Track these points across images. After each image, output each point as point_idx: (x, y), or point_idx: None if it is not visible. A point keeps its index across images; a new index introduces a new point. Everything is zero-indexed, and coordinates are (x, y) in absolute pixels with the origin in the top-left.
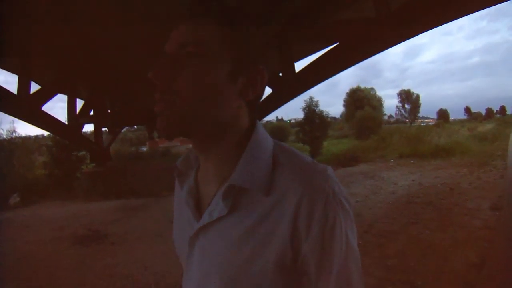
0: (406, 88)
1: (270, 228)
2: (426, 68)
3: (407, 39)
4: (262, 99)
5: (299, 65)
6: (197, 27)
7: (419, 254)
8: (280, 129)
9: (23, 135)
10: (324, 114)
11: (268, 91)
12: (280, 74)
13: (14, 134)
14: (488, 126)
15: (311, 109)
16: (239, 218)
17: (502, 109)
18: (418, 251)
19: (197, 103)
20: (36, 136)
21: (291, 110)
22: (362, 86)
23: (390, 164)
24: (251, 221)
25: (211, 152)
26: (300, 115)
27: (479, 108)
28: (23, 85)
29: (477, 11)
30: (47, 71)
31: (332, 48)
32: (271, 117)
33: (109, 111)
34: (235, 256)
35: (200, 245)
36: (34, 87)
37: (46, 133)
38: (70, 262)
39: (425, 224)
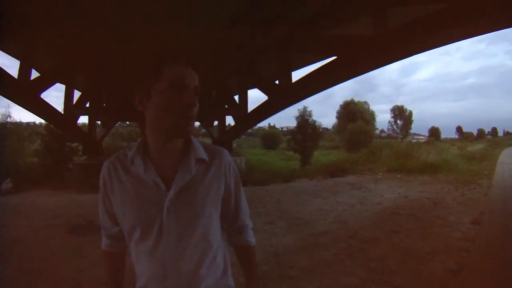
0: (400, 104)
1: (217, 177)
2: (421, 85)
3: (403, 58)
4: (257, 106)
5: (296, 75)
6: (195, 74)
7: (400, 259)
8: (271, 136)
9: (17, 120)
10: (316, 124)
11: (263, 97)
12: (277, 82)
13: (8, 119)
14: (478, 146)
15: (304, 119)
16: (201, 176)
17: (494, 130)
18: (399, 256)
19: None
20: (28, 123)
21: (284, 118)
22: (356, 99)
23: (378, 177)
24: (209, 175)
25: (177, 143)
26: (292, 123)
27: (471, 128)
28: (24, 70)
29: (475, 36)
30: (49, 59)
31: (330, 61)
32: (263, 123)
33: (104, 104)
34: (206, 197)
35: (177, 205)
36: (34, 75)
37: (37, 121)
38: (65, 250)
39: (407, 233)
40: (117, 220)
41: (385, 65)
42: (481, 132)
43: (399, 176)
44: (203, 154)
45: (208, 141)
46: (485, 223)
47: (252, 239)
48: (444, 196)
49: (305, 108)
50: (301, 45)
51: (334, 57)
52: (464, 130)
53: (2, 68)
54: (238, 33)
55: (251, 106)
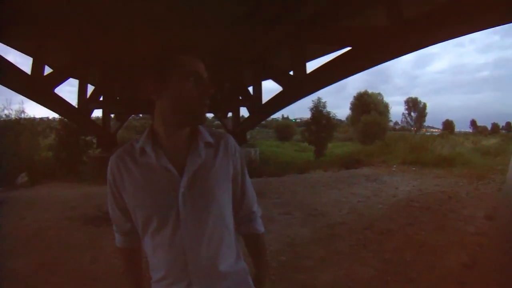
0: (413, 96)
1: (225, 160)
2: (435, 77)
3: (418, 49)
4: (272, 97)
5: (310, 66)
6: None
7: (415, 251)
8: (285, 127)
9: (31, 116)
10: (331, 115)
11: (278, 89)
12: (291, 73)
13: (22, 115)
14: (492, 141)
15: (318, 110)
16: (211, 159)
17: (508, 125)
18: (413, 249)
19: None
20: (41, 118)
21: (297, 109)
22: (370, 91)
23: (393, 169)
24: (218, 158)
25: (185, 130)
26: (306, 114)
27: (485, 122)
28: (37, 67)
29: (490, 27)
30: (61, 55)
31: (345, 52)
32: (277, 115)
33: (118, 98)
34: (218, 180)
35: (192, 190)
36: (47, 71)
37: (51, 115)
38: (82, 241)
39: (422, 226)
40: (130, 215)
41: (400, 56)
42: (495, 126)
43: (414, 168)
44: (210, 138)
45: None
46: (499, 218)
47: (261, 227)
48: (458, 190)
49: (319, 99)
50: (316, 35)
51: (349, 48)
52: (479, 124)
53: (16, 66)
54: (251, 28)
55: (265, 97)
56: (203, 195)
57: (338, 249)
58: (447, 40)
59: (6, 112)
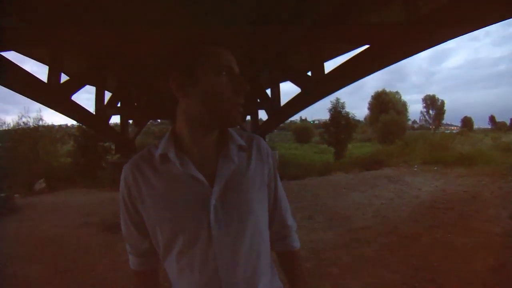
0: (431, 94)
1: (259, 165)
2: (452, 74)
3: (438, 44)
4: (290, 99)
5: (328, 66)
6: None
7: (441, 255)
8: (304, 129)
9: (49, 123)
10: (350, 116)
11: (296, 90)
12: (309, 74)
13: (40, 122)
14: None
15: (337, 110)
16: (245, 165)
17: None
18: (440, 252)
19: None
20: (60, 126)
21: (315, 111)
22: (387, 90)
23: (414, 169)
24: (252, 164)
25: (213, 134)
26: (323, 116)
27: (503, 117)
28: (53, 75)
29: (509, 18)
30: (77, 63)
31: (363, 51)
32: (295, 117)
33: (135, 104)
34: (253, 188)
35: (225, 201)
36: (63, 79)
37: (69, 123)
38: (99, 248)
39: (447, 228)
40: (147, 233)
41: (419, 52)
42: None
43: (435, 168)
44: (242, 141)
45: None
46: None
47: (297, 243)
48: (481, 190)
49: (337, 99)
50: (334, 34)
51: (367, 46)
52: (497, 119)
53: (32, 74)
54: (268, 28)
55: (283, 100)
56: (238, 207)
57: (363, 255)
58: (469, 32)
59: (24, 119)
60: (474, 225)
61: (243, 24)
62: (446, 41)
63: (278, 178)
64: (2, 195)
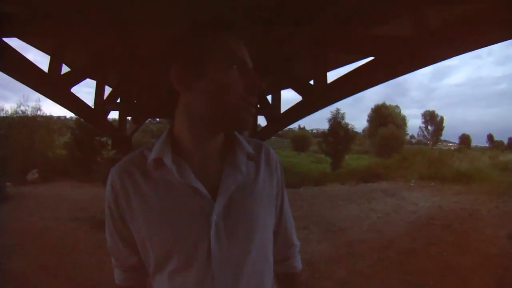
0: (431, 109)
1: (268, 176)
2: (452, 91)
3: (444, 59)
4: (290, 106)
5: (331, 76)
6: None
7: (438, 274)
8: (302, 138)
9: (47, 114)
10: (349, 127)
11: (297, 98)
12: (311, 82)
13: (38, 112)
14: (509, 156)
15: (336, 121)
16: (253, 176)
17: None
18: (437, 271)
19: None
20: (58, 117)
21: (314, 120)
22: (387, 103)
23: (411, 184)
24: (260, 175)
25: (218, 138)
26: (322, 125)
27: (501, 136)
28: (54, 65)
29: None
30: (79, 55)
31: (367, 62)
32: (293, 125)
33: (135, 101)
34: (261, 203)
35: (228, 216)
36: (64, 70)
37: (68, 115)
38: (87, 246)
39: (444, 246)
40: (136, 248)
41: (424, 67)
42: None
43: (433, 184)
44: (250, 149)
45: None
46: None
47: (299, 263)
48: (478, 208)
49: (338, 110)
50: (337, 44)
51: (371, 58)
52: (495, 138)
53: (33, 63)
54: (272, 34)
55: (283, 107)
56: (243, 224)
57: (358, 270)
58: (473, 50)
59: (22, 108)
60: (471, 244)
61: (252, 24)
62: (452, 57)
63: (285, 191)
64: None
